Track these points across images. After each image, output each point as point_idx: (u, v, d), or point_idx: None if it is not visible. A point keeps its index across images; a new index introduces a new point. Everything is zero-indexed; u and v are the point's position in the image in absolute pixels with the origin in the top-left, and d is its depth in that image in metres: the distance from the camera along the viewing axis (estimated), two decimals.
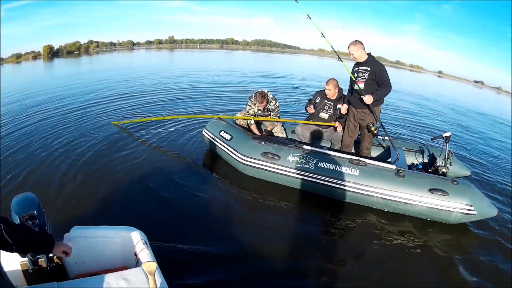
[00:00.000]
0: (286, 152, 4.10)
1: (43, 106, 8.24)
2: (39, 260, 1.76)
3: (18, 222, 1.71)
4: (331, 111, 4.73)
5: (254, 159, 4.20)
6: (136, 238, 2.01)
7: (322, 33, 4.57)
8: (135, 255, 1.97)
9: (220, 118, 5.09)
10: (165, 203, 3.78)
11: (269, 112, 4.97)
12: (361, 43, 4.11)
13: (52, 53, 45.26)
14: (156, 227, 3.25)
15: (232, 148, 4.45)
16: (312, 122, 4.87)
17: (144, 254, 1.92)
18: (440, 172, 4.05)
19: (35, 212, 1.75)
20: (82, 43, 45.26)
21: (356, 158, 3.88)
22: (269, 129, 5.05)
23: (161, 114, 7.30)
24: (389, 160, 4.29)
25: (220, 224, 3.47)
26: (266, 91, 4.82)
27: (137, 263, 1.94)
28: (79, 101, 8.78)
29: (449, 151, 4.11)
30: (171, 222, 3.42)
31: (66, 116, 7.17)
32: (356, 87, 4.18)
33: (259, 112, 4.95)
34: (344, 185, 3.78)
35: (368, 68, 4.07)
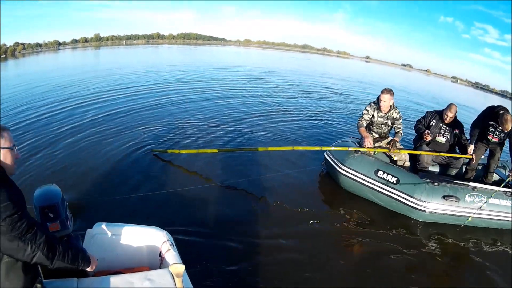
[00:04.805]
0: (461, 192, 3.91)
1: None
2: None
3: (38, 213, 1.63)
4: (448, 135, 4.51)
5: (436, 203, 3.86)
6: (162, 239, 1.93)
7: None
8: (160, 255, 1.89)
9: (360, 152, 4.24)
10: None
11: (391, 121, 4.53)
12: None
13: None
14: None
15: (403, 192, 3.92)
16: (448, 154, 4.49)
17: (170, 255, 1.85)
18: None
19: (58, 204, 1.69)
20: (8, 45, 40.86)
21: (508, 190, 3.98)
22: (395, 158, 4.55)
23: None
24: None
25: None
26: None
27: (162, 264, 1.87)
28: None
29: None
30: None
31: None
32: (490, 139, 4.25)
33: (379, 120, 4.47)
34: (506, 216, 3.94)
35: (506, 132, 4.08)
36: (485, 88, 73.47)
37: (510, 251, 3.74)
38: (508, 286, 3.12)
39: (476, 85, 75.69)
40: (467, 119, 4.49)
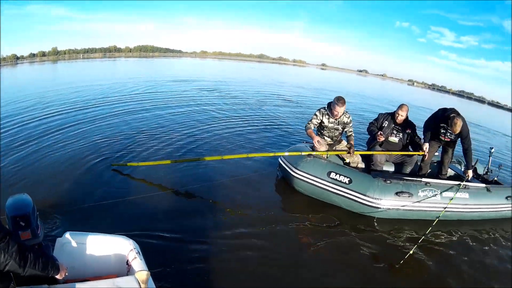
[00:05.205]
0: (414, 188, 4.15)
1: None
2: None
3: (10, 222, 1.74)
4: (400, 134, 4.76)
5: (389, 200, 4.05)
6: (129, 247, 2.02)
7: None
8: (127, 263, 1.98)
9: (312, 156, 4.39)
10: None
11: (342, 126, 4.65)
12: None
13: None
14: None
15: (356, 192, 4.09)
16: (401, 152, 4.79)
17: (137, 263, 1.93)
18: (493, 180, 4.82)
19: (29, 213, 1.74)
20: None
21: (462, 183, 4.26)
22: (347, 160, 4.75)
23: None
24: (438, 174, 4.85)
25: None
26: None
27: (129, 272, 1.95)
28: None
29: (500, 164, 5.13)
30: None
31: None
32: (442, 139, 4.56)
33: (330, 125, 4.58)
34: (461, 207, 4.25)
35: (457, 133, 4.34)
36: (441, 89, 77.19)
37: (470, 241, 4.06)
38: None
39: (433, 87, 79.13)
40: (424, 120, 4.86)
